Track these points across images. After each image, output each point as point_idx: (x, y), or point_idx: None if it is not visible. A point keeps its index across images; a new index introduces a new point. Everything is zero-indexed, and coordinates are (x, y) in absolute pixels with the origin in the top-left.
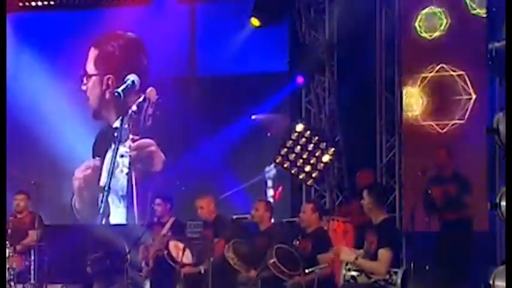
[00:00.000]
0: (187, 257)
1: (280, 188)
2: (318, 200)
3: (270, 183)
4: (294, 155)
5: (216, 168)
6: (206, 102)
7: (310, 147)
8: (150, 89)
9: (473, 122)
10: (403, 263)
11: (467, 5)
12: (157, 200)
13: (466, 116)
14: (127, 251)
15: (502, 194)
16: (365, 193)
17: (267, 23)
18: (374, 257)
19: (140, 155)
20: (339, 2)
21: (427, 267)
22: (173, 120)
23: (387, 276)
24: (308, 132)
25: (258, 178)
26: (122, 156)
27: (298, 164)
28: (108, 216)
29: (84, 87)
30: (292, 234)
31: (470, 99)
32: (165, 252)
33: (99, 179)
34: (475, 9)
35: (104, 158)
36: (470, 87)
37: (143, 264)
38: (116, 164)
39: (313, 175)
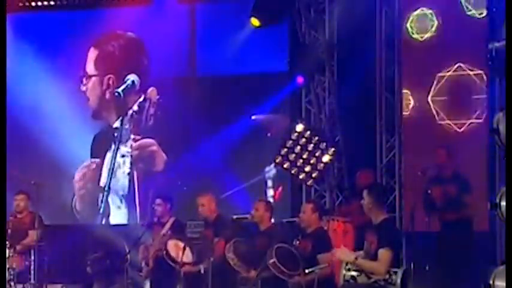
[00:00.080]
0: (188, 256)
1: (280, 188)
2: (318, 200)
3: (270, 183)
4: (294, 155)
5: (216, 168)
6: (206, 102)
7: (310, 147)
8: (151, 88)
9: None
10: (403, 263)
11: (462, 6)
12: (158, 200)
13: (484, 115)
14: (127, 251)
15: (502, 194)
16: (365, 193)
17: (267, 23)
18: (374, 257)
19: (142, 155)
20: (339, 2)
21: (427, 267)
22: (173, 120)
23: (387, 276)
24: (308, 132)
25: (258, 178)
26: (123, 156)
27: (298, 164)
28: (108, 216)
29: (84, 88)
30: (292, 234)
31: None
32: (164, 252)
33: (99, 179)
34: (470, 10)
35: (103, 158)
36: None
37: (143, 264)
38: (116, 164)
39: (313, 175)
